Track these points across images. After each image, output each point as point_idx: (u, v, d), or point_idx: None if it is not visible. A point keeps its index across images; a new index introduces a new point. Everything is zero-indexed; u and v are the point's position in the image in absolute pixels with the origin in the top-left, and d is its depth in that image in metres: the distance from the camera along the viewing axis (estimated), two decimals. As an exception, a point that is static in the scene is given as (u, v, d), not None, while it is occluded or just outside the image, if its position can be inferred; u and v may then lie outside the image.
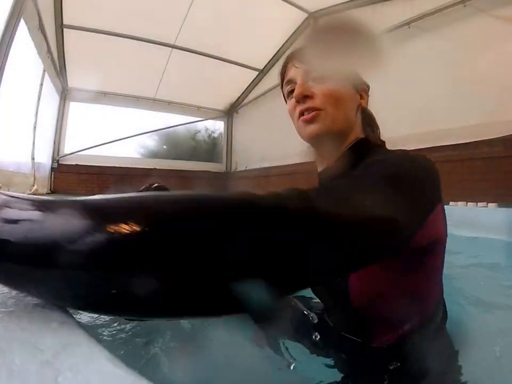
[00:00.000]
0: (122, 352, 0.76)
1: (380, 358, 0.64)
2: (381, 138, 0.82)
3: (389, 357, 0.62)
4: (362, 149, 0.73)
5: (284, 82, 0.82)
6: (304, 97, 0.73)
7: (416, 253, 0.60)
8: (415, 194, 0.50)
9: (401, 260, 0.59)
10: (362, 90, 0.84)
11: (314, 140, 0.77)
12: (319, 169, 0.83)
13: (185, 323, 0.90)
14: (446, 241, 0.67)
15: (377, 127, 0.85)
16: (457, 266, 1.70)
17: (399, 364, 0.61)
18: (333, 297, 0.73)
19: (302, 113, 0.74)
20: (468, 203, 3.09)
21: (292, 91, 0.78)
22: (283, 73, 0.84)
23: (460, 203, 3.13)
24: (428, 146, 3.91)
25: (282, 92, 0.86)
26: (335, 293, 0.69)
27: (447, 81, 3.81)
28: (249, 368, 0.76)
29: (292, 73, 0.79)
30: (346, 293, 0.62)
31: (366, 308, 0.62)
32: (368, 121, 0.84)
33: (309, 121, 0.72)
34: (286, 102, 0.85)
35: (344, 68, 0.76)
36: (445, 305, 0.73)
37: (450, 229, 1.82)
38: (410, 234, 0.49)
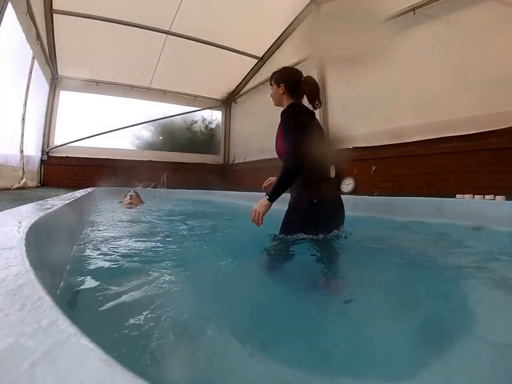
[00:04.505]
0: (116, 351, 0.72)
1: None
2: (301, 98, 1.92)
3: None
4: (287, 108, 1.89)
5: None
6: (271, 96, 2.02)
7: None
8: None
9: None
10: (282, 85, 1.91)
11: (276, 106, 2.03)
12: None
13: (181, 324, 0.89)
14: None
15: (301, 95, 1.90)
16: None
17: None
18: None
19: None
20: (475, 196, 3.02)
21: None
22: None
23: (466, 196, 3.06)
24: (434, 137, 3.84)
25: None
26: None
27: (453, 70, 3.72)
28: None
29: None
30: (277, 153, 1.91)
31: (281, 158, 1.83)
32: (292, 94, 1.90)
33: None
34: None
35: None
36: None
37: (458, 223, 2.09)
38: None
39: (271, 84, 1.99)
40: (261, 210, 1.71)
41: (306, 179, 1.74)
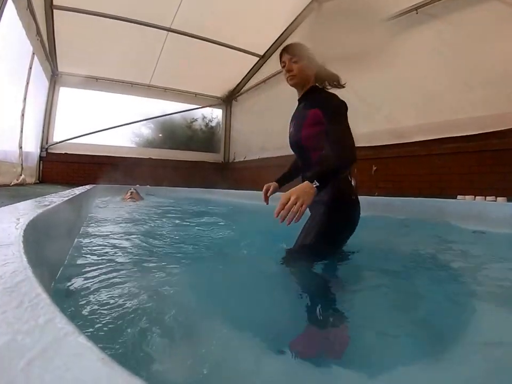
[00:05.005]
0: (113, 349, 0.74)
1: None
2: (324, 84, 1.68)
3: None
4: (311, 91, 1.65)
5: (281, 61, 1.65)
6: (289, 70, 1.60)
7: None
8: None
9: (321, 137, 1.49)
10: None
11: (293, 86, 1.67)
12: (298, 97, 1.71)
13: (178, 322, 0.89)
14: None
15: (325, 81, 1.66)
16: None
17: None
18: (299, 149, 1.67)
19: (288, 76, 1.63)
20: (476, 197, 3.00)
21: (283, 66, 1.63)
22: (281, 56, 1.65)
23: (467, 197, 3.04)
24: (436, 137, 3.81)
25: (280, 61, 1.68)
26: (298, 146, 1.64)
27: (456, 70, 3.70)
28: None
29: (284, 58, 1.61)
30: (301, 143, 1.61)
31: (308, 148, 1.60)
32: (319, 78, 1.66)
33: (291, 80, 1.63)
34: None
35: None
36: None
37: (459, 224, 2.24)
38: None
39: (294, 56, 1.57)
40: (308, 200, 1.20)
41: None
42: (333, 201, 1.48)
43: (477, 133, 3.46)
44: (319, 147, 1.51)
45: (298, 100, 1.71)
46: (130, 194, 4.99)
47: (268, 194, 1.79)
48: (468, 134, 3.53)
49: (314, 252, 1.42)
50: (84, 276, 1.22)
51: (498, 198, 2.80)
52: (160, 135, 8.82)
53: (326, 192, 1.39)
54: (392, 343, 0.85)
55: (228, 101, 9.16)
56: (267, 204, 1.77)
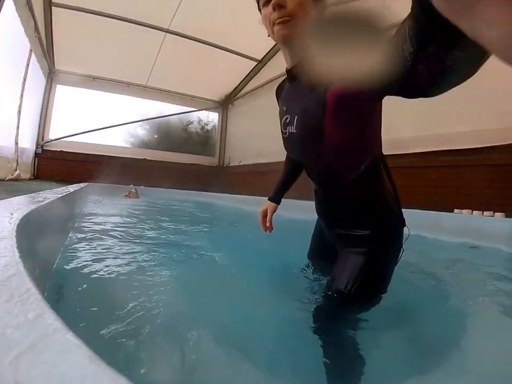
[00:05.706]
0: (102, 347, 0.70)
1: (349, 188, 0.96)
2: None
3: (352, 188, 0.96)
4: None
5: None
6: (279, 6, 0.87)
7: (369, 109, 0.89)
8: None
9: (359, 116, 0.88)
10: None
11: (285, 41, 0.94)
12: (288, 67, 1.03)
13: (167, 322, 0.88)
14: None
15: None
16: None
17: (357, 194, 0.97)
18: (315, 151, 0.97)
19: (275, 19, 0.89)
20: (473, 211, 2.98)
21: (268, 1, 0.92)
22: None
23: (464, 211, 3.02)
24: (434, 149, 3.79)
25: (257, 2, 0.99)
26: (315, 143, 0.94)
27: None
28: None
29: None
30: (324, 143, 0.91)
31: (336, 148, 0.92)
32: None
33: (282, 26, 0.89)
34: (260, 11, 0.99)
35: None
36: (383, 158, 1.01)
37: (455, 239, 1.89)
38: None
39: None
40: None
41: (387, 171, 1.03)
42: (386, 236, 1.03)
43: (476, 146, 3.42)
44: (355, 140, 0.93)
45: (289, 71, 1.05)
46: (129, 193, 5.65)
47: (268, 223, 1.37)
48: (468, 147, 3.50)
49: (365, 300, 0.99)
50: (77, 272, 1.20)
51: (496, 213, 2.77)
52: (156, 136, 8.82)
53: (371, 218, 1.02)
54: (387, 359, 0.83)
55: (224, 104, 9.17)
56: (270, 231, 1.38)
